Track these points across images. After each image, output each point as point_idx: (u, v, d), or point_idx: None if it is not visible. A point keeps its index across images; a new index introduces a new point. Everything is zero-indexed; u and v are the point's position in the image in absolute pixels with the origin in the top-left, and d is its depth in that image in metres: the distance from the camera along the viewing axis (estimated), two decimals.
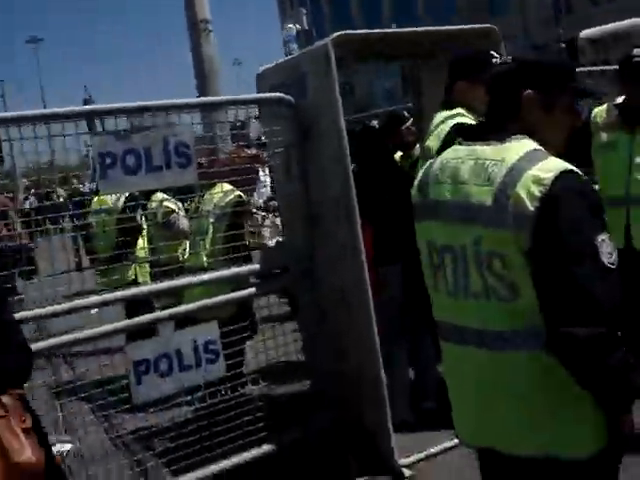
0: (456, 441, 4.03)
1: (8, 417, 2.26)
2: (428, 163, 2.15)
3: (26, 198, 17.04)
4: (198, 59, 10.63)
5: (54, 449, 5.02)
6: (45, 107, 4.35)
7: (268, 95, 4.13)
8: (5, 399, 2.29)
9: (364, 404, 4.29)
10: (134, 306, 5.25)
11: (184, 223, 5.46)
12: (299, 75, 4.22)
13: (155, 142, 3.65)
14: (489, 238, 1.86)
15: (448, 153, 2.07)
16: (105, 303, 3.74)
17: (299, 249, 4.23)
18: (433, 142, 3.73)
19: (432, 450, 4.35)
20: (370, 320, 4.08)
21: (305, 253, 4.21)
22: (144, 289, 3.95)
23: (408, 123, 5.35)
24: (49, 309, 3.51)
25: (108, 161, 3.54)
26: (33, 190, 16.10)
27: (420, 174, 2.15)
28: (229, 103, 3.98)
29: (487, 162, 1.90)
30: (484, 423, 2.02)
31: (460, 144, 2.05)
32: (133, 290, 3.93)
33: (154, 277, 4.84)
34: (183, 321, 4.15)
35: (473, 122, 3.65)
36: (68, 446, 5.13)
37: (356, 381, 4.28)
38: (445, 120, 3.76)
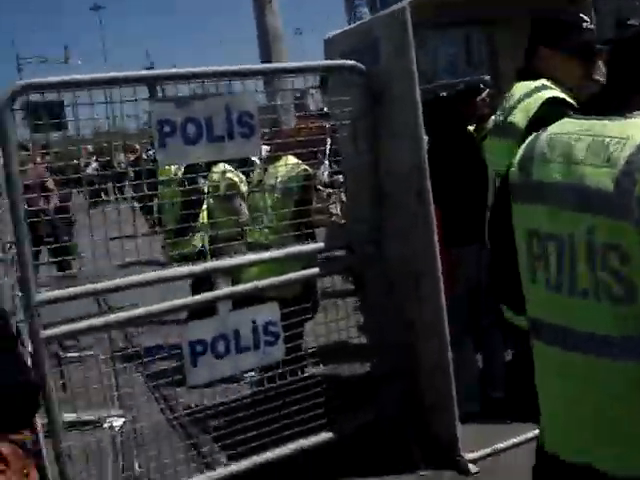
0: (527, 436, 3.85)
1: (7, 472, 1.90)
2: (531, 138, 1.85)
3: (87, 165, 17.07)
4: (262, 28, 10.41)
5: (107, 422, 5.00)
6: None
7: (339, 62, 3.87)
8: (5, 449, 1.93)
9: (429, 390, 4.05)
10: (199, 280, 5.10)
11: (244, 210, 5.21)
12: (371, 41, 3.95)
13: (217, 111, 3.43)
14: (605, 227, 1.58)
15: (557, 127, 1.78)
16: (167, 279, 3.56)
17: (366, 226, 3.99)
18: (519, 117, 3.32)
19: (500, 445, 4.09)
20: (440, 305, 3.83)
21: (373, 230, 3.96)
22: (207, 265, 3.74)
23: (484, 94, 5.02)
24: (110, 283, 3.37)
25: (167, 129, 3.34)
26: (95, 157, 16.11)
27: (522, 150, 1.86)
28: (297, 70, 3.73)
29: (608, 140, 1.61)
30: (581, 437, 1.75)
31: (572, 118, 1.77)
32: (196, 267, 3.72)
33: (213, 253, 4.64)
34: (242, 300, 3.95)
35: (566, 97, 3.28)
36: (120, 421, 5.06)
37: (422, 365, 4.05)
38: (531, 93, 3.37)
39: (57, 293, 3.21)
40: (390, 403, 4.10)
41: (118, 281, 3.36)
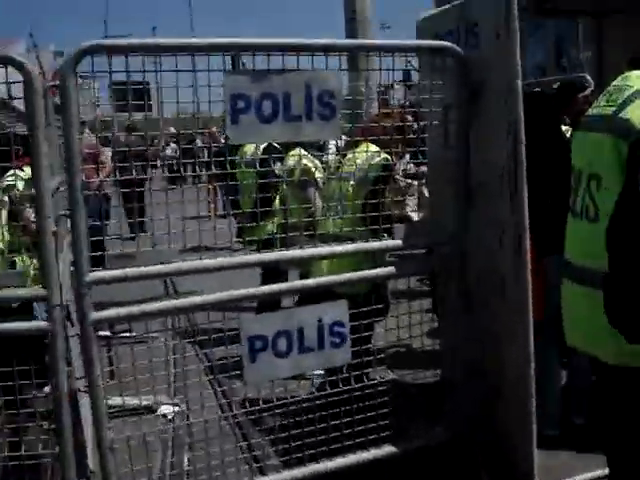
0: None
1: None
2: None
3: (166, 144, 17.13)
4: (349, 11, 10.14)
5: (160, 410, 4.81)
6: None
7: (432, 42, 3.53)
8: None
9: (507, 408, 3.68)
10: (270, 270, 4.84)
11: (317, 200, 4.92)
12: (470, 23, 3.59)
13: (296, 87, 3.14)
14: None
15: None
16: (229, 266, 3.30)
17: (449, 225, 3.64)
18: (636, 114, 2.87)
19: (577, 478, 3.70)
20: (527, 316, 3.45)
21: (456, 230, 3.62)
22: (274, 256, 3.44)
23: (587, 92, 4.61)
24: (169, 267, 3.14)
25: (241, 105, 3.06)
26: (174, 138, 16.13)
27: None
28: (387, 49, 3.40)
29: None
30: None
31: None
32: (262, 256, 3.44)
33: (282, 242, 4.38)
34: (309, 294, 3.67)
35: None
36: (175, 409, 4.86)
37: (500, 379, 3.68)
38: None
39: (109, 273, 2.98)
40: (461, 419, 3.76)
41: (175, 265, 3.12)
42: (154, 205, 3.38)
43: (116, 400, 3.45)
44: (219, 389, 4.44)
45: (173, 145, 17.05)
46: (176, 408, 4.81)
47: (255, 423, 3.88)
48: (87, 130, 8.37)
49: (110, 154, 7.88)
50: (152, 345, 3.61)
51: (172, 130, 16.17)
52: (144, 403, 3.81)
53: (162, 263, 3.14)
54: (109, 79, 2.99)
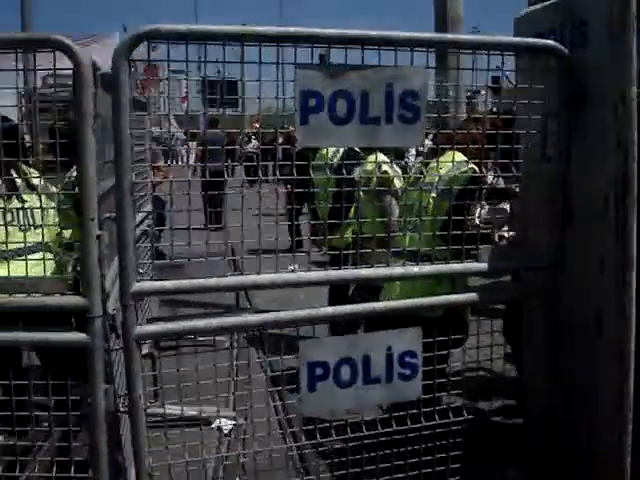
0: None
1: None
2: None
3: (248, 141, 16.96)
4: (440, 10, 9.76)
5: (214, 424, 4.54)
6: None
7: (533, 40, 3.10)
8: None
9: (596, 463, 3.23)
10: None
11: (395, 210, 4.53)
12: (577, 20, 3.16)
13: (376, 86, 2.77)
14: None
15: None
16: (291, 284, 2.96)
17: (542, 251, 3.22)
18: None
19: None
20: (627, 361, 3.00)
21: (550, 258, 3.18)
22: (343, 274, 3.06)
23: None
24: (224, 280, 2.80)
25: (312, 103, 2.71)
26: (254, 136, 15.93)
27: None
28: (480, 46, 2.99)
29: None
30: None
31: None
32: (332, 273, 3.07)
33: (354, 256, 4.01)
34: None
35: None
36: (230, 424, 4.58)
37: (589, 433, 3.23)
38: None
39: (157, 285, 2.71)
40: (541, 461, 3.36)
41: (232, 279, 2.82)
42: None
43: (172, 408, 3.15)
44: (283, 417, 4.20)
45: (254, 142, 16.87)
46: (233, 422, 4.53)
47: (314, 454, 3.56)
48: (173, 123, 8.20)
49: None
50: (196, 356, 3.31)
51: (256, 126, 15.97)
52: (201, 413, 3.49)
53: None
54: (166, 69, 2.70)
